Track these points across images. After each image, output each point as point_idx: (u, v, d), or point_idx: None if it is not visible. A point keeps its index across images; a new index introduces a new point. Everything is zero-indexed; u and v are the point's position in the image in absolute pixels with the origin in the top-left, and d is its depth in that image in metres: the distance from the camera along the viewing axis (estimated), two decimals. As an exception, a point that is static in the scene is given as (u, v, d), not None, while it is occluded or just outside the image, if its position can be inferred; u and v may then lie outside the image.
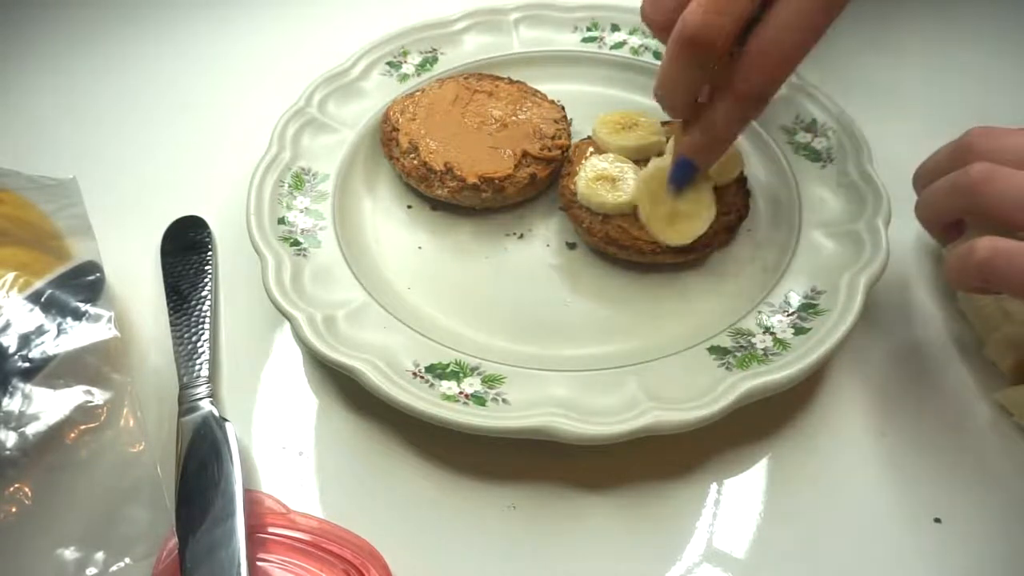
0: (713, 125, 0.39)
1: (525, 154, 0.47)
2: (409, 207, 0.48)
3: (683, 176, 0.42)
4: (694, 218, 0.43)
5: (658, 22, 0.39)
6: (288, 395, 0.42)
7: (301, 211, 0.45)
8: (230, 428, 0.37)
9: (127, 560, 0.34)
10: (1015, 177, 0.34)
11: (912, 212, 0.40)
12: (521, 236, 0.47)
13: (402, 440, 0.39)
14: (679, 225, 0.43)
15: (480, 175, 0.46)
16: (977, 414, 0.40)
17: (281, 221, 0.44)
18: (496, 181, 0.46)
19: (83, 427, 0.36)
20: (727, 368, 0.38)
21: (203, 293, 0.44)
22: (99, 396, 0.37)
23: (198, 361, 0.41)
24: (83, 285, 0.40)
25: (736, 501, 0.37)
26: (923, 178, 0.40)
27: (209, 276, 0.45)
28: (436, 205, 0.48)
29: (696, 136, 0.40)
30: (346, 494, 0.38)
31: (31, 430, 0.35)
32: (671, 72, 0.37)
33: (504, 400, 0.37)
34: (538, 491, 0.38)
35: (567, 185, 0.46)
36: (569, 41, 0.56)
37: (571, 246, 0.46)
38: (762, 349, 0.39)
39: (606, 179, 0.44)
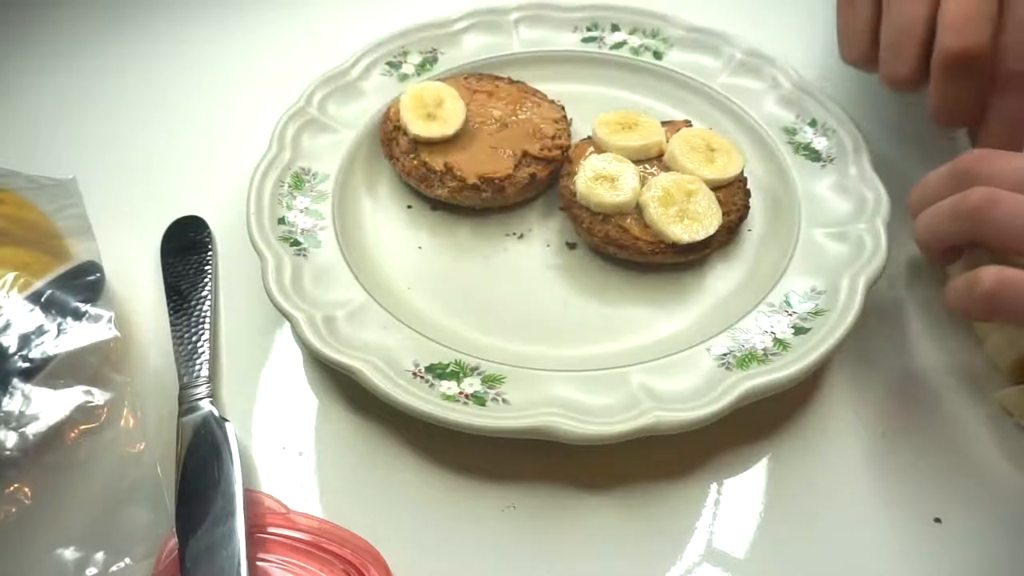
0: (1005, 118, 0.40)
1: (525, 154, 0.47)
2: (409, 207, 0.48)
3: None
4: (703, 218, 0.43)
5: (857, 58, 0.44)
6: (288, 395, 0.42)
7: (301, 211, 0.45)
8: (230, 428, 0.37)
9: (127, 560, 0.34)
10: (1016, 202, 0.34)
11: (909, 211, 0.40)
12: (521, 236, 0.47)
13: (402, 440, 0.39)
14: (688, 223, 0.43)
15: (480, 175, 0.46)
16: (977, 414, 0.40)
17: (281, 221, 0.44)
18: (496, 181, 0.46)
19: (83, 427, 0.37)
20: (727, 368, 0.38)
21: (203, 293, 0.44)
22: (99, 396, 0.37)
23: (198, 361, 0.41)
24: (83, 285, 0.40)
25: (736, 501, 0.37)
26: (918, 201, 0.39)
27: (209, 276, 0.45)
28: (436, 205, 0.48)
29: (994, 137, 0.41)
30: (346, 494, 0.38)
31: (31, 430, 0.35)
32: (950, 93, 0.40)
33: (504, 400, 0.37)
34: (538, 491, 0.38)
35: (567, 185, 0.46)
36: (569, 41, 0.56)
37: (571, 246, 0.46)
38: (762, 349, 0.39)
39: (606, 179, 0.44)
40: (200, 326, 0.43)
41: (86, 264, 0.41)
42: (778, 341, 0.39)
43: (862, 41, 0.44)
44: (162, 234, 0.47)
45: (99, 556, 0.34)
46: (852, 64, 0.45)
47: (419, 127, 0.47)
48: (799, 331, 0.39)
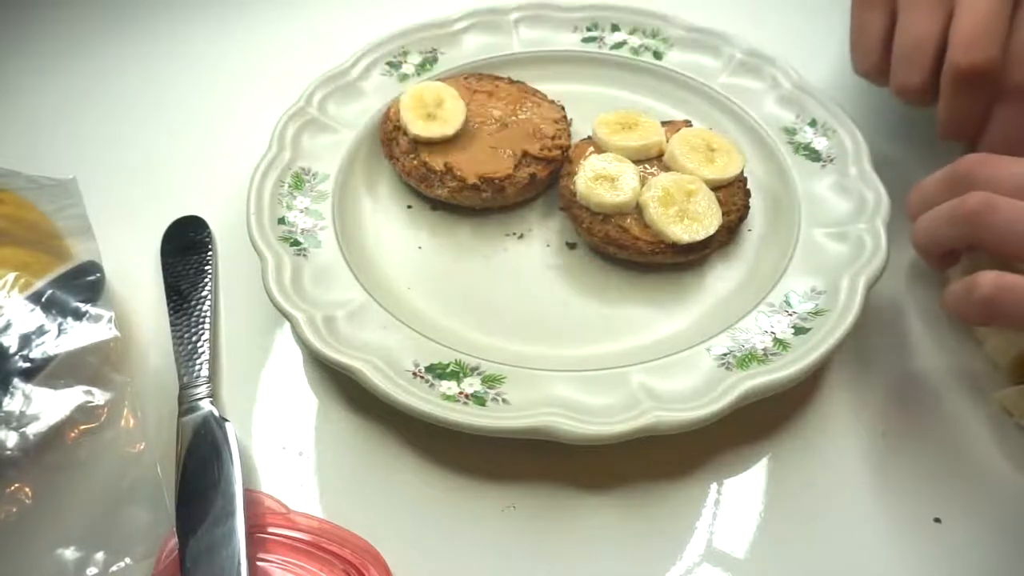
0: (1006, 129, 0.41)
1: (525, 154, 0.47)
2: (409, 207, 0.48)
3: None
4: (703, 218, 0.43)
5: (869, 70, 0.45)
6: (288, 395, 0.42)
7: (301, 211, 0.45)
8: (230, 428, 0.37)
9: (127, 560, 0.34)
10: (1015, 207, 0.34)
11: (908, 214, 0.40)
12: (521, 236, 0.47)
13: (402, 440, 0.39)
14: (688, 223, 0.43)
15: (480, 175, 0.46)
16: (977, 414, 0.40)
17: (281, 221, 0.44)
18: (496, 181, 0.46)
19: (83, 427, 0.37)
20: (727, 368, 0.38)
21: (203, 293, 0.44)
22: (99, 396, 0.37)
23: (198, 361, 0.41)
24: (83, 285, 0.40)
25: (736, 501, 0.37)
26: (917, 205, 0.39)
27: (209, 276, 0.45)
28: (436, 205, 0.48)
29: (993, 147, 0.41)
30: (346, 494, 0.38)
31: (31, 430, 0.35)
32: (958, 108, 0.41)
33: (504, 400, 0.37)
34: (538, 491, 0.38)
35: (567, 185, 0.46)
36: (569, 41, 0.56)
37: (571, 246, 0.46)
38: (762, 349, 0.39)
39: (606, 179, 0.44)
40: (200, 326, 0.43)
41: (86, 264, 0.41)
42: (778, 341, 0.39)
43: (874, 52, 0.44)
44: (162, 234, 0.47)
45: (99, 556, 0.34)
46: (864, 75, 0.46)
47: (419, 127, 0.47)
48: (799, 331, 0.39)
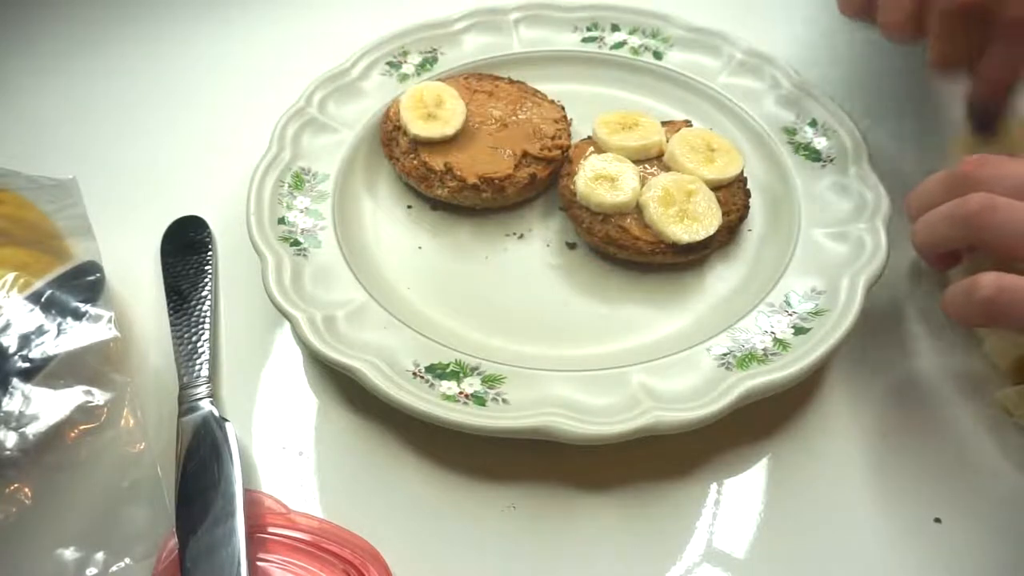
0: (999, 62, 0.40)
1: (525, 154, 0.47)
2: (409, 207, 0.48)
3: (986, 122, 0.43)
4: (703, 218, 0.43)
5: (857, 11, 0.44)
6: (288, 395, 0.42)
7: (301, 211, 0.45)
8: (230, 428, 0.37)
9: (127, 560, 0.34)
10: (1016, 208, 0.34)
11: (908, 215, 0.40)
12: (521, 236, 0.47)
13: (402, 440, 0.39)
14: (688, 223, 0.43)
15: (480, 175, 0.46)
16: (977, 414, 0.40)
17: (281, 221, 0.44)
18: (496, 181, 0.46)
19: (83, 427, 0.36)
20: (727, 368, 0.38)
21: (203, 293, 0.44)
22: (99, 396, 0.37)
23: (198, 361, 0.41)
24: (83, 285, 0.40)
25: (736, 501, 0.37)
26: (916, 206, 0.39)
27: (209, 276, 0.45)
28: (436, 205, 0.48)
29: (990, 77, 0.41)
30: (346, 494, 0.38)
31: (31, 430, 0.35)
32: (948, 42, 0.41)
33: (504, 400, 0.37)
34: (538, 491, 0.38)
35: (567, 185, 0.46)
36: (569, 41, 0.56)
37: (571, 246, 0.46)
38: (762, 349, 0.39)
39: (606, 179, 0.44)
40: (200, 326, 0.43)
41: (86, 264, 0.41)
42: (778, 341, 0.39)
43: None
44: (162, 234, 0.47)
45: (99, 556, 0.34)
46: (851, 16, 0.45)
47: (419, 127, 0.47)
48: (799, 331, 0.39)
